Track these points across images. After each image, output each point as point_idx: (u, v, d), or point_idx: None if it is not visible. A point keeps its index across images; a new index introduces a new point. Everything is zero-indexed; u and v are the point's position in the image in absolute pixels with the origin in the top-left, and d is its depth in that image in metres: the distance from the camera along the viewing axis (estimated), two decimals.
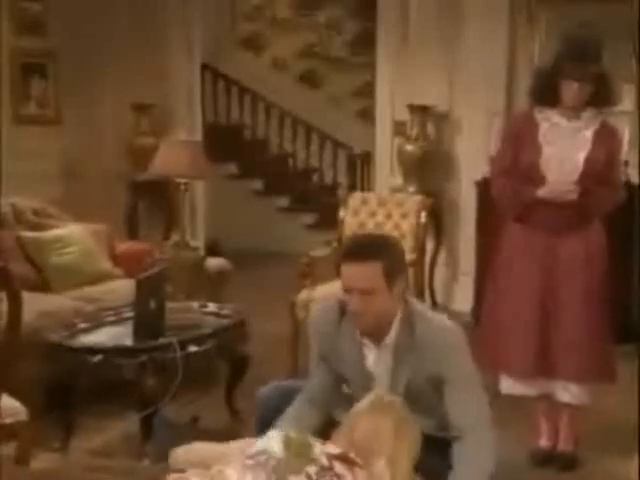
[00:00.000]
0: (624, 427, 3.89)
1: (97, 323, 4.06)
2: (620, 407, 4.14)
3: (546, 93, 3.65)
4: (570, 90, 3.56)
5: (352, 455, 2.31)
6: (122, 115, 6.75)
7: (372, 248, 2.61)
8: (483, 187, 5.76)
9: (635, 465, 3.39)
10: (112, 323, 4.07)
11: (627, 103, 5.56)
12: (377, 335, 2.68)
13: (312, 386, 2.81)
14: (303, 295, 4.83)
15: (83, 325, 4.00)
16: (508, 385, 3.79)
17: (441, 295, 6.42)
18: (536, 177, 3.61)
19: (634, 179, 5.50)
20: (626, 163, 5.18)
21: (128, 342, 3.74)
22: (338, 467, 2.25)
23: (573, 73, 3.53)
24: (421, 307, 2.77)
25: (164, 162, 5.17)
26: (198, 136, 7.11)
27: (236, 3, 9.80)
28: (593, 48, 3.64)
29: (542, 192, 3.59)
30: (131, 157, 6.72)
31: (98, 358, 3.65)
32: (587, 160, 3.59)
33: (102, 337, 3.87)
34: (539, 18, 6.07)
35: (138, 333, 3.77)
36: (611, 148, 3.67)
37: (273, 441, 2.29)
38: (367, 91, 8.11)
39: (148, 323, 3.78)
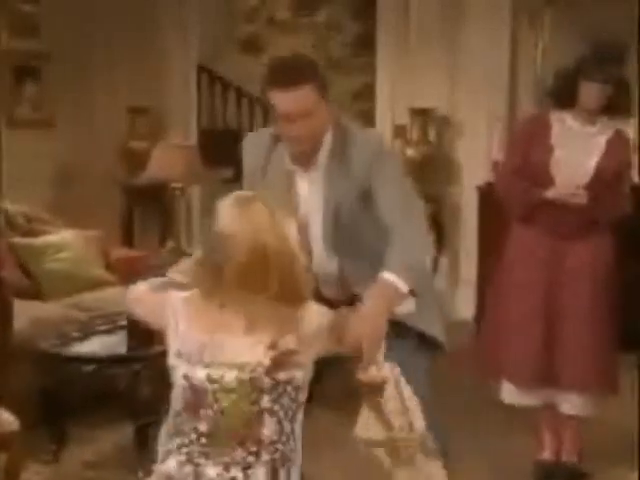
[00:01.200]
0: (627, 438, 3.88)
1: (90, 331, 4.06)
2: (623, 418, 4.13)
3: (565, 94, 3.66)
4: (590, 92, 3.57)
5: None
6: (117, 118, 6.73)
7: (301, 70, 2.52)
8: (485, 192, 5.77)
9: (636, 477, 3.39)
10: (105, 331, 4.07)
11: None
12: (309, 158, 2.63)
13: None
14: None
15: (76, 333, 4.00)
16: (510, 394, 3.77)
17: (442, 302, 6.41)
18: (545, 178, 3.62)
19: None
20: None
21: (122, 351, 3.75)
22: None
23: (594, 74, 3.55)
24: (347, 121, 2.70)
25: (159, 166, 5.18)
26: (194, 140, 7.11)
27: (233, 4, 9.81)
28: (616, 50, 3.69)
29: (551, 193, 3.59)
30: (126, 161, 6.71)
31: (91, 367, 3.65)
32: (598, 166, 3.60)
33: (95, 346, 3.88)
34: (542, 21, 6.08)
35: (132, 341, 3.77)
36: (623, 157, 3.69)
37: None
38: (367, 93, 8.10)
39: (142, 331, 3.76)
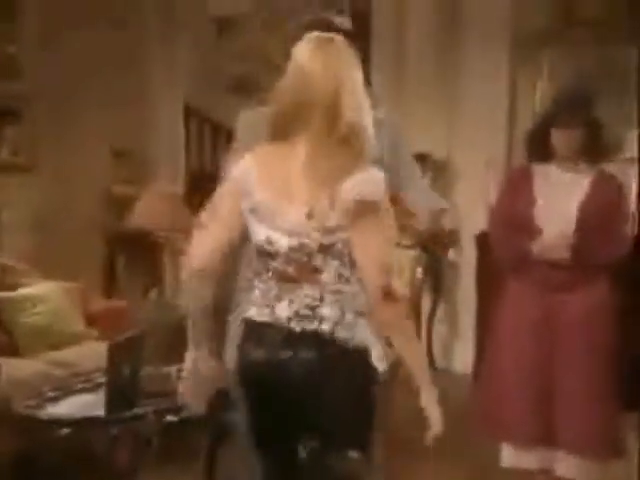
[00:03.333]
0: None
1: (67, 390, 4.00)
2: None
3: (540, 146, 3.73)
4: (560, 138, 3.65)
5: None
6: (100, 162, 6.74)
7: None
8: (483, 241, 5.75)
9: None
10: (83, 390, 4.01)
11: (635, 150, 5.61)
12: None
13: None
14: None
15: (51, 393, 3.94)
16: (509, 456, 3.74)
17: (440, 355, 6.36)
18: (532, 230, 3.64)
19: None
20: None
21: (99, 413, 3.68)
22: None
23: (561, 121, 3.63)
24: None
25: (143, 215, 5.14)
26: (181, 184, 7.09)
27: (224, 44, 9.85)
28: (582, 94, 3.79)
29: (536, 247, 3.60)
30: (109, 207, 6.70)
31: (66, 430, 3.60)
32: (582, 209, 3.61)
33: (71, 407, 3.81)
34: (540, 62, 6.14)
35: (110, 403, 3.71)
36: (610, 196, 3.69)
37: None
38: None
39: (121, 391, 3.73)
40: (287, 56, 2.42)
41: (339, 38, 2.36)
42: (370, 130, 2.30)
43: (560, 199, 3.66)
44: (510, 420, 3.68)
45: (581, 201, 3.63)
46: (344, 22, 2.79)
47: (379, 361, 2.37)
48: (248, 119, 2.90)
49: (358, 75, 2.32)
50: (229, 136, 10.06)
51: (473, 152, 6.25)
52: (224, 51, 9.74)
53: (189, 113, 8.23)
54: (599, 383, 3.63)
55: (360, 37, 2.77)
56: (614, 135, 3.85)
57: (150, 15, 7.07)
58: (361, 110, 2.28)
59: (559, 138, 3.65)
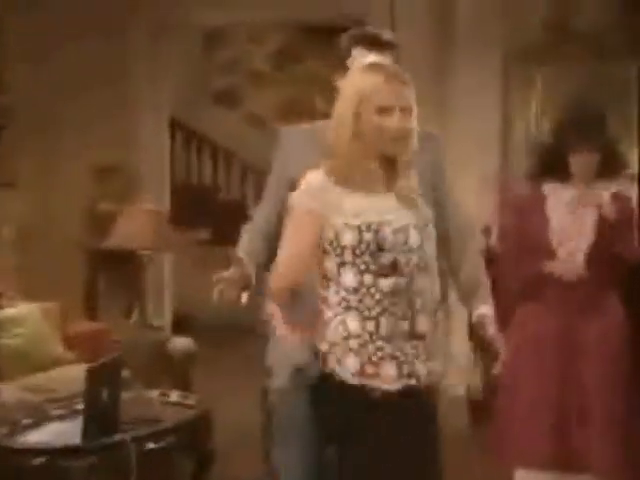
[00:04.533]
0: None
1: (43, 417, 3.95)
2: None
3: (554, 168, 3.73)
4: (580, 164, 3.66)
5: None
6: (82, 179, 6.71)
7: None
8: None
9: None
10: (60, 417, 3.95)
11: (634, 167, 5.61)
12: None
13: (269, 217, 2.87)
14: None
15: (27, 420, 3.89)
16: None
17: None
18: (546, 250, 3.68)
19: None
20: None
21: (76, 441, 3.62)
22: None
23: (581, 146, 3.63)
24: None
25: (124, 233, 5.13)
26: (166, 200, 7.06)
27: (210, 55, 9.83)
28: (596, 114, 3.84)
29: (551, 267, 3.62)
30: (91, 225, 6.67)
31: (42, 459, 3.54)
32: (597, 229, 3.66)
33: (47, 435, 3.76)
34: (535, 80, 6.13)
35: (88, 430, 3.65)
36: (624, 216, 3.74)
37: None
38: None
39: (100, 418, 3.68)
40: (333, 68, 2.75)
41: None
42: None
43: (574, 219, 3.69)
44: (527, 444, 3.67)
45: (596, 220, 3.67)
46: (389, 36, 2.89)
47: None
48: (291, 136, 2.91)
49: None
50: (214, 148, 10.10)
51: (466, 168, 6.21)
52: (210, 63, 9.74)
53: (175, 126, 8.21)
54: (621, 404, 3.65)
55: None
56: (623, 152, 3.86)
57: (135, 29, 7.04)
58: None
59: (579, 162, 3.66)
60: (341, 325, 2.40)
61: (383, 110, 2.44)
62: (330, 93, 2.75)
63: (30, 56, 6.47)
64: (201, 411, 4.12)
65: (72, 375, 4.60)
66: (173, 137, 8.07)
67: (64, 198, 6.70)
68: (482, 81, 6.16)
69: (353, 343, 2.38)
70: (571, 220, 3.69)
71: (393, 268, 2.37)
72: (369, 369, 2.36)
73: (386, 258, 2.37)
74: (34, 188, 6.62)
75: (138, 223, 5.12)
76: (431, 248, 2.47)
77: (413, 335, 2.38)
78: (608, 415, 3.62)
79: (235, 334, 7.82)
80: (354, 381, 2.37)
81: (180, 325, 6.88)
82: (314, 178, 2.45)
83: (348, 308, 2.40)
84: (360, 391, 2.37)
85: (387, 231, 2.37)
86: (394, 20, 6.52)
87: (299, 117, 9.54)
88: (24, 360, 4.74)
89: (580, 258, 3.63)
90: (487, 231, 5.53)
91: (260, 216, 2.92)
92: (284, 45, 9.52)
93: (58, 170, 6.74)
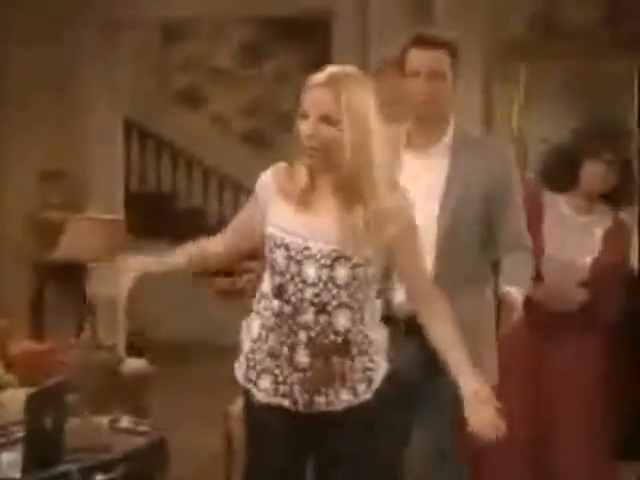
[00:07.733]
0: None
1: None
2: None
3: (565, 175, 3.66)
4: (595, 173, 3.58)
5: None
6: (27, 185, 6.66)
7: (443, 37, 2.94)
8: None
9: None
10: None
11: None
12: (429, 137, 2.94)
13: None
14: (240, 404, 4.66)
15: None
16: None
17: None
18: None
19: None
20: None
21: (15, 474, 3.54)
22: None
23: (601, 152, 3.56)
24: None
25: (72, 244, 5.08)
26: (119, 208, 6.99)
27: (168, 52, 9.80)
28: (622, 131, 3.84)
29: (539, 295, 3.51)
30: (37, 235, 6.62)
31: None
32: (594, 265, 3.62)
33: None
34: (517, 76, 6.18)
35: (28, 461, 3.57)
36: (622, 248, 3.74)
37: None
38: None
39: (42, 448, 3.60)
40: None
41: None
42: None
43: (570, 249, 3.63)
44: (500, 474, 3.67)
45: (595, 256, 3.62)
46: (447, 35, 2.98)
47: None
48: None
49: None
50: (174, 152, 10.07)
51: None
52: (169, 59, 9.71)
53: (130, 128, 8.15)
54: (594, 435, 3.66)
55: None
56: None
57: (86, 26, 6.99)
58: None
59: (593, 172, 3.58)
60: (250, 324, 2.62)
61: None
62: (297, 92, 2.71)
63: None
64: (155, 438, 4.05)
65: (13, 400, 4.52)
66: (128, 140, 8.01)
67: (7, 206, 6.64)
68: (462, 76, 6.16)
69: (247, 346, 2.60)
70: (566, 251, 3.63)
71: (280, 292, 2.50)
72: (251, 375, 2.59)
73: (276, 280, 2.51)
74: None
75: (86, 232, 5.07)
76: (361, 288, 2.50)
77: (291, 364, 2.50)
78: (584, 445, 3.64)
79: (195, 352, 7.78)
80: (242, 382, 2.63)
81: (133, 346, 6.82)
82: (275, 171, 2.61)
83: (258, 311, 2.60)
84: (246, 394, 2.63)
85: (280, 255, 2.47)
86: (366, 15, 6.51)
87: (264, 118, 9.59)
88: None
89: (573, 295, 3.59)
90: None
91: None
92: (248, 41, 9.52)
93: (2, 176, 6.68)
